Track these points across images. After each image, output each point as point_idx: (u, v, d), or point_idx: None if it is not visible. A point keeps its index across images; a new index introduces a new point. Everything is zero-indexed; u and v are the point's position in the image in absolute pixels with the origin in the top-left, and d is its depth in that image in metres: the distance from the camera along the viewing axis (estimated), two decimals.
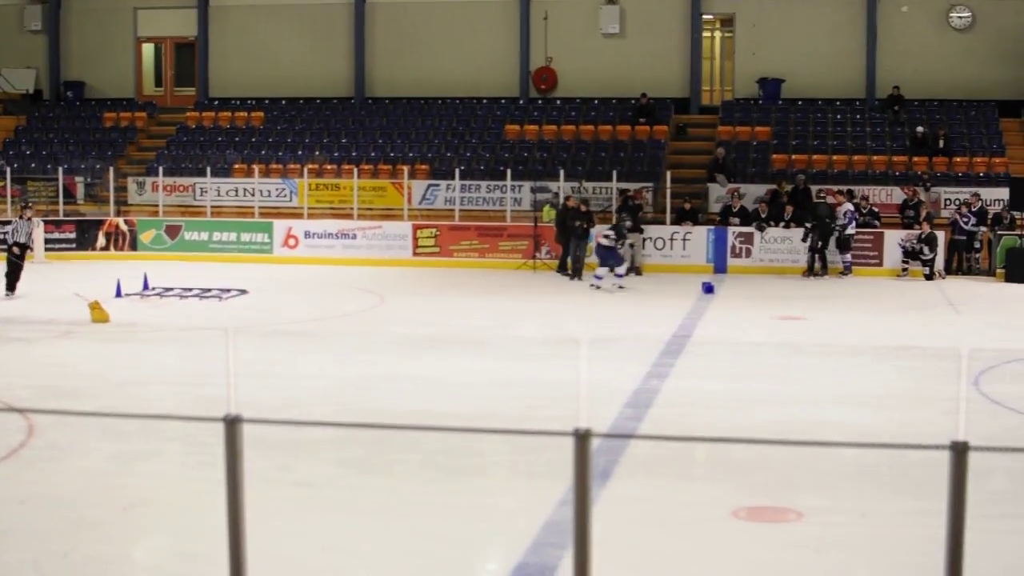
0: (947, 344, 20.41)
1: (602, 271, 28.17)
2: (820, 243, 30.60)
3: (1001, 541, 10.22)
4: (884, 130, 37.96)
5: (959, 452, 4.64)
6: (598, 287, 27.65)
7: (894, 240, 30.98)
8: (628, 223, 29.20)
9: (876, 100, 39.37)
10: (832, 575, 9.60)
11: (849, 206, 31.16)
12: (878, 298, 26.85)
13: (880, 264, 31.12)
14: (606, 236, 27.99)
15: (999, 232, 30.75)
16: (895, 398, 16.11)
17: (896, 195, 33.91)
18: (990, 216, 31.61)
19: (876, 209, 32.52)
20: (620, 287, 27.67)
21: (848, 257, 30.85)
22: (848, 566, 9.80)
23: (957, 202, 32.53)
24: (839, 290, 28.42)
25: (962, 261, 31.27)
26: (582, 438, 5.20)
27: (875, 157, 36.65)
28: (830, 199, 31.90)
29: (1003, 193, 32.54)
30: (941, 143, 36.31)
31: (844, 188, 32.84)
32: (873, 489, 11.70)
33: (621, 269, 28.08)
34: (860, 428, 14.34)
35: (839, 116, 38.87)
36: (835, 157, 36.70)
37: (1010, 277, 29.45)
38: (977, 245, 31.44)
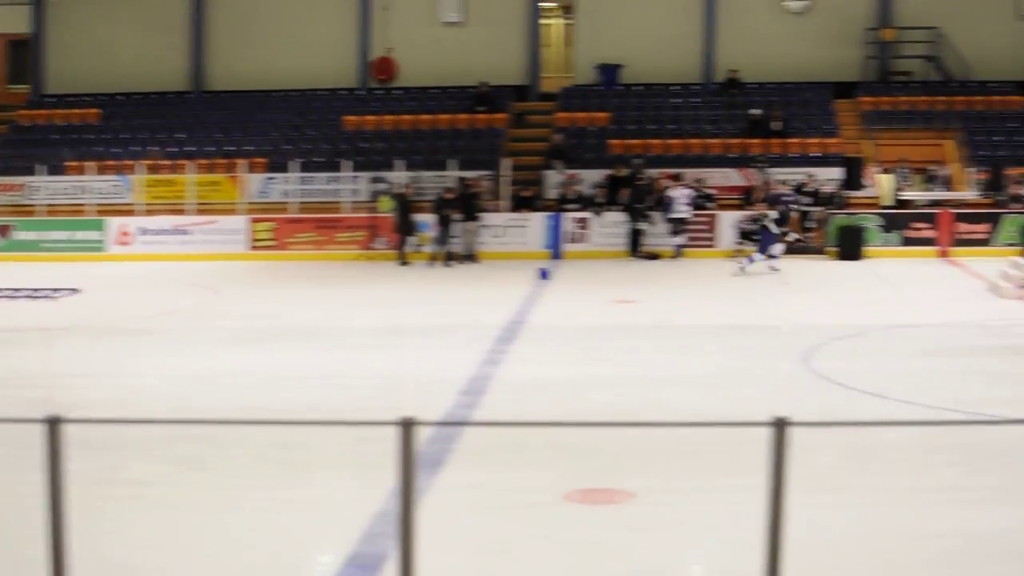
0: (779, 323, 20.73)
1: (757, 256, 28.52)
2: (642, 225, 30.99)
3: (826, 516, 10.39)
4: (721, 113, 38.40)
5: (779, 428, 4.68)
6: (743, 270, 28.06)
7: (728, 222, 31.37)
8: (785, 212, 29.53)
9: (713, 84, 39.82)
10: (663, 553, 9.69)
11: (684, 189, 31.47)
12: (712, 279, 27.17)
13: (714, 245, 31.48)
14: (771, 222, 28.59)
15: (831, 211, 31.28)
16: (726, 377, 16.32)
17: (732, 177, 34.35)
18: (823, 195, 32.11)
19: (712, 192, 32.88)
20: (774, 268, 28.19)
21: (680, 240, 31.13)
22: (678, 544, 9.91)
23: (792, 183, 33.00)
24: (673, 272, 28.70)
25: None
26: (407, 427, 5.16)
27: (712, 140, 37.05)
28: (665, 182, 32.18)
29: (835, 173, 33.12)
30: (777, 125, 36.83)
31: (677, 172, 33.15)
32: (703, 467, 11.82)
33: (776, 250, 28.49)
34: (692, 408, 14.51)
35: (676, 100, 39.24)
36: (672, 141, 37.03)
37: (841, 255, 30.02)
38: (811, 224, 31.94)
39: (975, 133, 37.01)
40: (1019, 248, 29.84)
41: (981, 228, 31.16)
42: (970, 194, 33.94)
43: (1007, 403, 14.79)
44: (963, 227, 31.17)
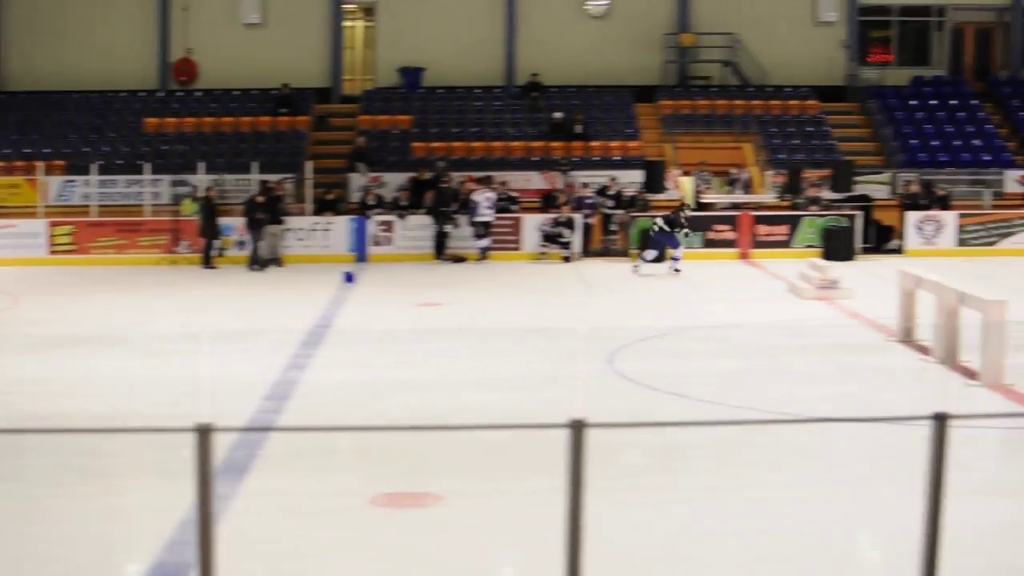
0: (583, 325, 20.91)
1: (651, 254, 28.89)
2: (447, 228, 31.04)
3: (629, 514, 10.52)
4: (523, 116, 38.63)
5: (576, 430, 4.68)
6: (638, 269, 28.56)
7: (532, 225, 31.52)
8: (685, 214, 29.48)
9: (515, 87, 40.04)
10: (469, 556, 9.70)
11: (488, 193, 31.54)
12: (517, 282, 27.30)
13: (519, 248, 31.60)
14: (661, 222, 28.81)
15: (634, 214, 31.61)
16: (532, 379, 16.41)
17: (535, 180, 34.58)
18: (625, 198, 32.42)
19: (515, 195, 33.02)
20: (676, 270, 28.37)
21: (484, 243, 31.18)
22: (484, 546, 9.93)
23: (594, 185, 33.29)
24: (479, 275, 28.76)
25: (588, 241, 31.82)
26: (203, 434, 5.07)
27: (514, 143, 37.25)
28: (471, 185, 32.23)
29: (637, 176, 33.49)
30: (579, 128, 37.18)
31: (482, 175, 33.24)
32: (508, 469, 11.87)
33: (678, 252, 28.61)
34: (498, 410, 14.56)
35: (479, 103, 39.38)
36: (475, 144, 37.15)
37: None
38: (614, 227, 32.26)
39: (773, 137, 37.83)
40: (818, 249, 30.57)
41: (780, 230, 31.79)
42: (769, 197, 34.65)
43: (807, 402, 15.12)
44: (763, 229, 31.76)
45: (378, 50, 41.08)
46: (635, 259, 29.31)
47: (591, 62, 40.32)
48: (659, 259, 28.84)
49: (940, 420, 4.50)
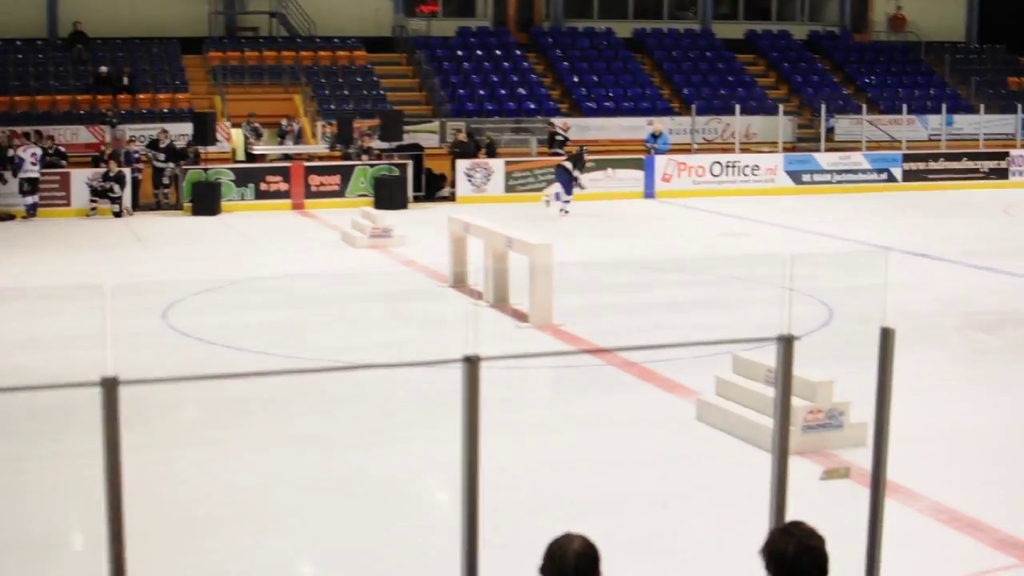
0: (137, 280, 20.55)
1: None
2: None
3: (183, 469, 10.53)
4: (68, 69, 37.49)
5: (110, 387, 4.62)
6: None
7: (81, 180, 30.64)
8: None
9: (59, 39, 38.77)
10: (29, 522, 9.49)
11: (34, 148, 30.48)
12: (67, 239, 26.52)
13: (68, 204, 30.67)
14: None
15: (185, 167, 31.15)
16: (87, 338, 16.00)
17: (83, 134, 33.69)
18: (176, 151, 31.92)
19: (62, 149, 32.04)
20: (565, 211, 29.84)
21: (31, 199, 30.11)
22: (28, 512, 9.74)
23: (144, 138, 32.68)
24: (27, 233, 27.80)
25: (137, 195, 31.21)
26: None
27: (60, 97, 36.15)
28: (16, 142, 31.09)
29: (187, 128, 33.00)
30: (125, 81, 36.40)
31: (28, 130, 32.12)
32: (53, 432, 11.61)
33: (569, 195, 30.11)
34: (50, 371, 14.17)
35: (20, 56, 37.94)
36: (19, 98, 35.83)
37: (196, 210, 29.99)
38: (166, 181, 31.71)
39: (323, 88, 38.02)
40: (370, 199, 30.92)
41: (332, 180, 31.93)
42: (321, 147, 34.81)
43: (362, 350, 15.36)
44: (315, 180, 31.82)
45: None
46: (542, 197, 31.24)
47: (137, 12, 39.52)
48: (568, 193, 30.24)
49: (471, 362, 4.69)
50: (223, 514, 9.76)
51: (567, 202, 29.91)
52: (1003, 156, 37.77)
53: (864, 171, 36.21)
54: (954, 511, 9.60)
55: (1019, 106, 40.04)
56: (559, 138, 34.64)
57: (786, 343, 5.52)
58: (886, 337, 5.76)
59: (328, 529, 9.31)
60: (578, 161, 30.30)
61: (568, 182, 29.96)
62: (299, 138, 35.59)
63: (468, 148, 33.66)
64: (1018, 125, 39.74)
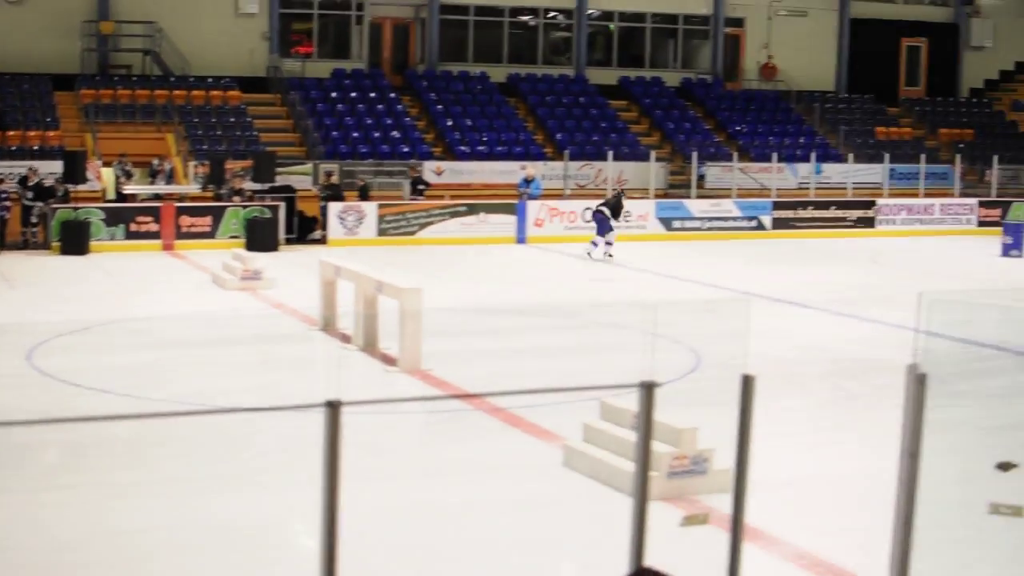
0: (1, 320, 20.25)
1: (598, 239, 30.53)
2: None
3: (42, 514, 10.39)
4: None
5: None
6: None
7: None
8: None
9: None
10: None
11: None
12: None
13: None
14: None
15: (54, 205, 30.73)
16: None
17: None
18: (45, 189, 31.47)
19: None
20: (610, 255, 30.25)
21: None
22: None
23: (13, 176, 32.21)
24: None
25: (4, 233, 30.66)
26: None
27: None
28: None
29: (57, 166, 32.55)
30: None
31: None
32: None
33: (611, 237, 30.50)
34: None
35: None
36: None
37: (65, 250, 29.60)
38: (34, 219, 31.25)
39: (195, 127, 37.80)
40: (242, 240, 30.72)
41: (204, 221, 31.68)
42: (193, 188, 34.56)
43: (230, 393, 15.25)
44: (187, 220, 31.55)
45: None
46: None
47: (7, 48, 39.03)
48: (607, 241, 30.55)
49: (333, 407, 4.71)
50: (87, 559, 9.62)
51: (609, 244, 30.37)
52: (870, 205, 38.52)
53: (734, 218, 36.71)
54: (814, 556, 9.74)
55: (886, 156, 40.91)
56: (420, 187, 34.57)
57: (647, 389, 5.60)
58: (747, 384, 5.86)
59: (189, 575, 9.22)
60: (616, 208, 30.95)
61: (604, 224, 30.34)
62: (171, 178, 35.31)
63: (337, 192, 33.55)
64: (885, 174, 40.54)
